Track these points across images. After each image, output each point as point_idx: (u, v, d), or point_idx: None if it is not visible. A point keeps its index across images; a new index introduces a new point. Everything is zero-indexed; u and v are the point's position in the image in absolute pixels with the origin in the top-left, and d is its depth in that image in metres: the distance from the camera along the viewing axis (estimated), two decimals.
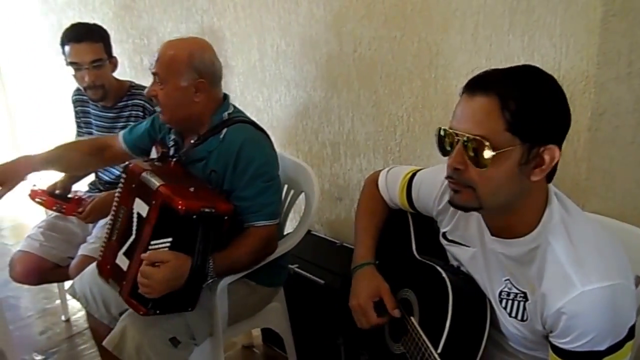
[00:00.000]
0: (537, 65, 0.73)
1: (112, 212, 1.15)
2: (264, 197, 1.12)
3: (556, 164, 0.71)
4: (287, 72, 1.65)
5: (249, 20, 1.71)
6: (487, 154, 0.66)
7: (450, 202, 0.75)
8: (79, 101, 1.64)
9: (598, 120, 1.00)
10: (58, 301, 1.91)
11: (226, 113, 1.17)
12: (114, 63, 1.54)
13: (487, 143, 0.66)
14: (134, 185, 1.09)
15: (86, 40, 1.44)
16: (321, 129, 1.62)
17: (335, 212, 1.67)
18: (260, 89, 1.76)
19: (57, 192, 1.52)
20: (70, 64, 1.46)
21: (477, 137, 0.67)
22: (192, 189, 1.04)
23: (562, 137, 0.71)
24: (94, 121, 1.61)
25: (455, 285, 0.79)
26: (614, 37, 0.97)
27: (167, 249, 1.01)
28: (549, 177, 0.74)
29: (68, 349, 1.74)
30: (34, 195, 1.46)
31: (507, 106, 0.66)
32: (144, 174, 1.07)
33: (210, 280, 1.05)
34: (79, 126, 1.68)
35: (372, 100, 1.46)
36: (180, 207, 0.97)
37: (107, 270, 1.12)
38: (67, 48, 1.45)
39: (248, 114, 1.25)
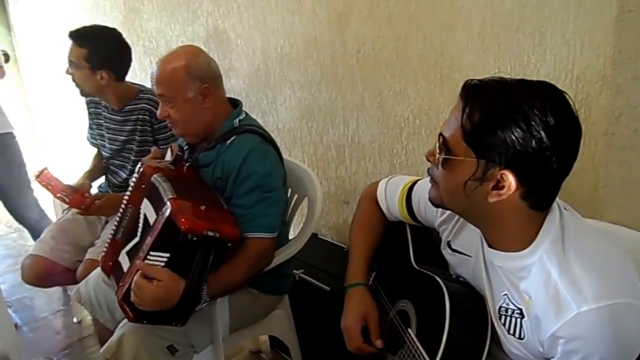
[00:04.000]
0: (556, 84, 0.64)
1: (121, 210, 1.14)
2: (261, 208, 1.08)
3: (544, 193, 0.64)
4: (292, 74, 1.62)
5: (252, 21, 1.68)
6: (441, 156, 0.67)
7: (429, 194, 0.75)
8: (92, 102, 1.66)
9: (614, 123, 0.94)
10: (70, 303, 1.94)
11: (237, 120, 1.16)
12: (101, 75, 1.48)
13: (447, 145, 0.66)
14: (144, 186, 1.08)
15: (73, 41, 1.50)
16: (326, 131, 1.59)
17: (342, 216, 1.63)
18: (265, 91, 1.74)
19: (72, 184, 1.49)
20: None
21: (442, 136, 0.67)
22: (203, 207, 0.99)
23: (536, 171, 0.61)
24: (104, 123, 1.63)
25: (453, 295, 0.76)
26: (630, 34, 0.90)
27: (163, 264, 0.98)
28: (538, 205, 0.65)
29: (80, 350, 1.76)
30: (44, 180, 1.44)
31: (471, 116, 0.63)
32: (154, 176, 1.06)
33: (204, 304, 1.01)
34: (90, 127, 1.70)
35: (377, 101, 1.41)
36: (182, 225, 0.93)
37: (109, 266, 1.12)
38: None
39: (253, 117, 1.23)
